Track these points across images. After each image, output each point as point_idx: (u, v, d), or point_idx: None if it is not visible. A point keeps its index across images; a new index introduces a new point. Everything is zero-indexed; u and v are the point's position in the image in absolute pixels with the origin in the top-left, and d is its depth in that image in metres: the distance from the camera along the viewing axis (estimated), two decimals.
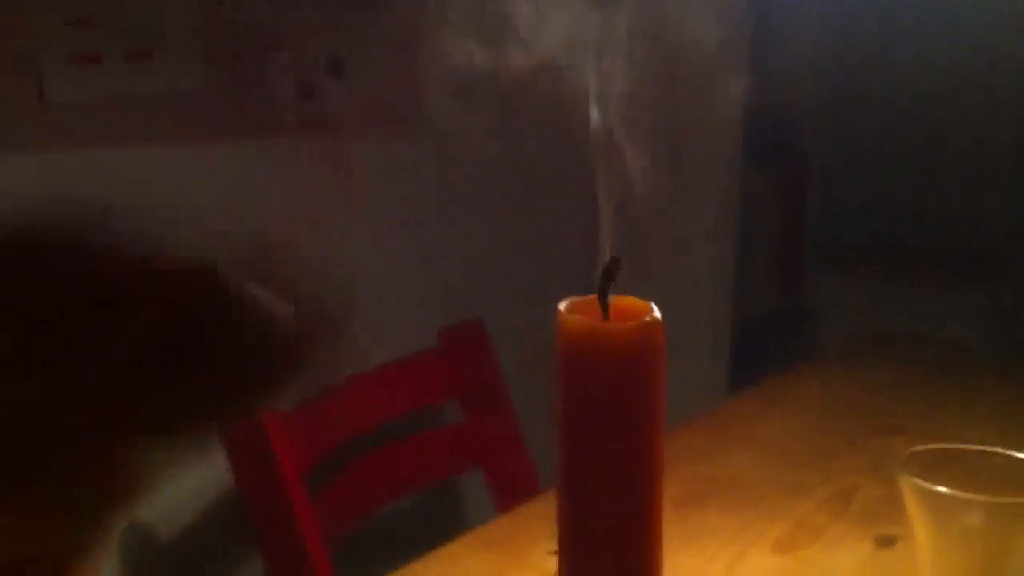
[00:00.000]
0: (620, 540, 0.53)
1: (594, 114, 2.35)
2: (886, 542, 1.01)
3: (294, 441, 1.22)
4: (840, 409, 1.39)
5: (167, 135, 1.48)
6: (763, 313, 2.30)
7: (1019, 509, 0.52)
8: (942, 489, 0.51)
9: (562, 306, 0.55)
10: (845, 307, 2.38)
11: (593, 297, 0.56)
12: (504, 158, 2.01)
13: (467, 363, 1.57)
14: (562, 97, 2.33)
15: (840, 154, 2.49)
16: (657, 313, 0.54)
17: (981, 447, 0.56)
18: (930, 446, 0.56)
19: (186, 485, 1.53)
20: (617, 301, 0.56)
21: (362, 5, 1.71)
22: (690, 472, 1.18)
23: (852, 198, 2.53)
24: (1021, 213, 2.35)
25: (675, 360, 2.00)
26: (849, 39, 2.40)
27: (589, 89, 2.35)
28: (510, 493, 1.50)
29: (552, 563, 0.60)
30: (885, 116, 2.48)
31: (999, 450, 0.56)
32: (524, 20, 2.14)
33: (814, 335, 2.43)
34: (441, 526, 1.87)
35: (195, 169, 1.52)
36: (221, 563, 1.60)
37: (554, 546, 0.57)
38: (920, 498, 0.53)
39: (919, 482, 0.52)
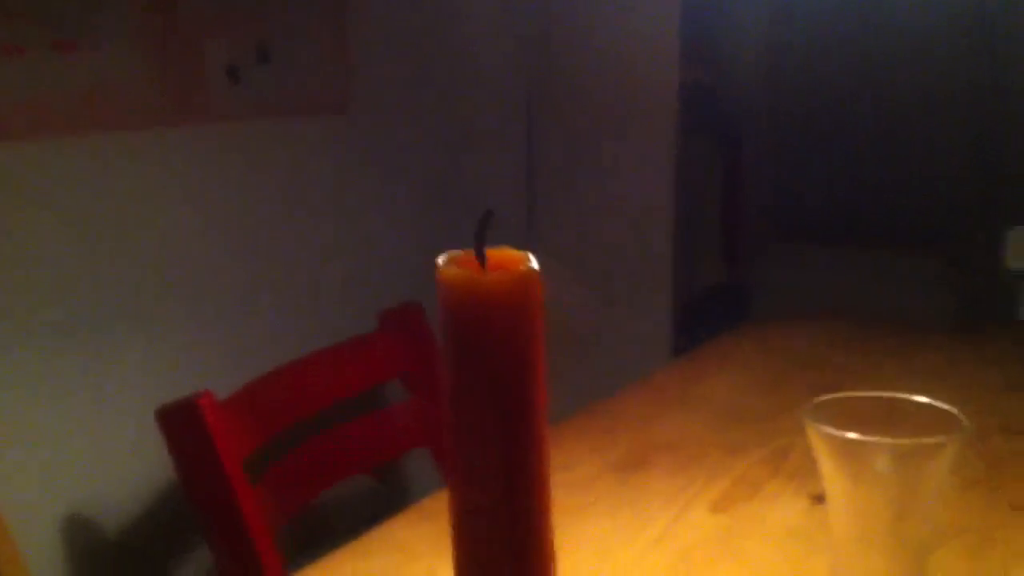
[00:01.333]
0: (505, 481, 0.54)
1: (526, 94, 2.34)
2: (820, 498, 1.02)
3: (233, 426, 1.22)
4: (775, 369, 1.41)
5: (94, 124, 1.46)
6: (704, 289, 2.32)
7: (924, 450, 0.53)
8: (849, 435, 0.53)
9: (441, 259, 0.56)
10: (786, 282, 2.40)
11: (470, 250, 0.56)
12: (436, 139, 2.01)
13: (408, 344, 1.57)
14: (493, 79, 2.35)
15: (780, 129, 2.51)
16: (534, 263, 0.55)
17: (884, 393, 0.58)
18: (835, 395, 0.57)
19: (128, 472, 1.52)
20: (496, 253, 0.56)
21: None
22: (628, 437, 1.19)
23: (792, 173, 2.54)
24: (964, 187, 2.38)
25: (618, 337, 2.02)
26: (787, 12, 2.42)
27: (519, 66, 2.35)
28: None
29: None
30: (826, 90, 2.50)
31: (902, 395, 0.57)
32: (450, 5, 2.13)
33: (755, 310, 2.46)
34: (389, 504, 1.87)
35: (123, 157, 1.51)
36: (166, 552, 1.59)
37: None
38: (828, 445, 0.54)
39: (826, 429, 0.53)
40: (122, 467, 1.51)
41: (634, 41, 2.09)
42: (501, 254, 0.56)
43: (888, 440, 0.52)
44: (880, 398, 0.57)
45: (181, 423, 1.17)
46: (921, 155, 2.40)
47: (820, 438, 0.54)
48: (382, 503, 1.89)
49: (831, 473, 0.55)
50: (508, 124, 2.20)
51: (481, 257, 0.55)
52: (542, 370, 0.54)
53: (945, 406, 0.56)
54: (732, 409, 1.27)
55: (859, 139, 2.47)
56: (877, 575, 0.58)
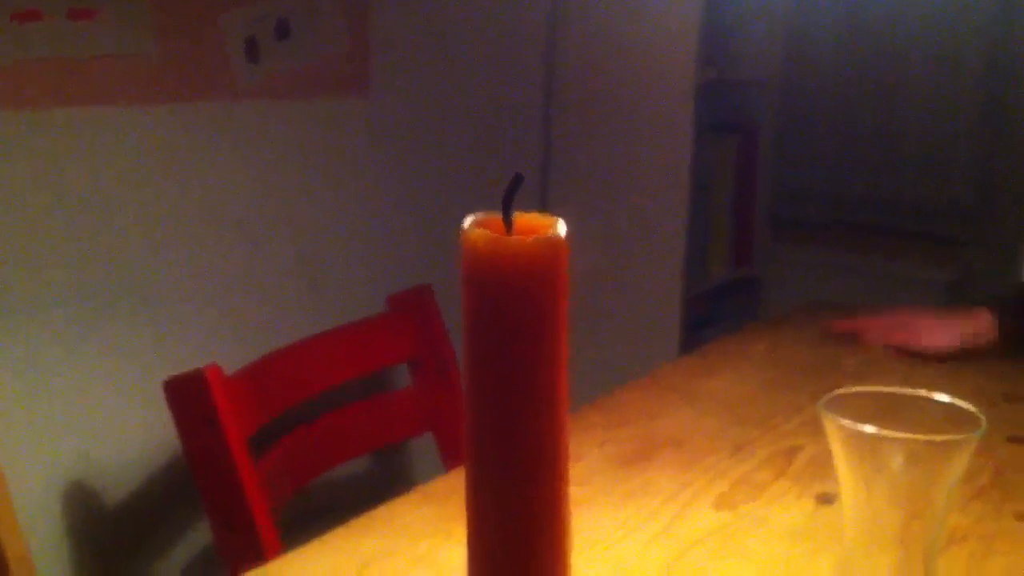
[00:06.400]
0: (524, 448, 0.53)
1: (545, 83, 2.34)
2: (826, 499, 1.02)
3: (240, 401, 1.22)
4: (784, 370, 1.40)
5: (110, 95, 1.46)
6: (714, 284, 2.31)
7: (941, 447, 0.53)
8: (866, 428, 0.52)
9: (467, 221, 0.55)
10: (796, 278, 2.40)
11: (498, 214, 0.55)
12: (452, 121, 2.01)
13: (417, 328, 1.56)
14: (512, 66, 2.33)
15: (793, 125, 2.51)
16: (561, 229, 0.54)
17: (904, 389, 0.57)
18: (854, 388, 0.56)
19: (131, 445, 1.52)
20: (522, 218, 0.55)
21: None
22: (634, 431, 1.18)
23: (804, 170, 2.55)
24: (973, 183, 2.38)
25: (627, 329, 2.01)
26: (805, 10, 2.41)
27: (538, 53, 2.34)
28: (459, 455, 1.50)
29: None
30: (841, 88, 2.50)
31: (921, 392, 0.57)
32: None
33: (765, 306, 2.45)
34: (390, 487, 1.87)
35: (139, 130, 1.50)
36: (167, 524, 1.59)
37: None
38: (843, 438, 0.53)
39: (843, 421, 0.53)
40: (125, 440, 1.51)
41: (653, 35, 2.08)
42: (528, 219, 0.55)
43: (906, 435, 0.52)
44: (898, 394, 0.57)
45: (188, 395, 1.17)
46: (935, 154, 2.40)
47: (836, 431, 0.53)
48: (385, 486, 1.89)
49: (845, 467, 0.54)
50: (525, 114, 2.19)
51: (508, 220, 0.54)
52: (565, 337, 0.53)
53: (964, 404, 0.56)
54: (739, 407, 1.26)
55: (874, 136, 2.47)
56: (888, 574, 0.57)
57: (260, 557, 1.01)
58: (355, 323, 1.53)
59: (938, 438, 0.52)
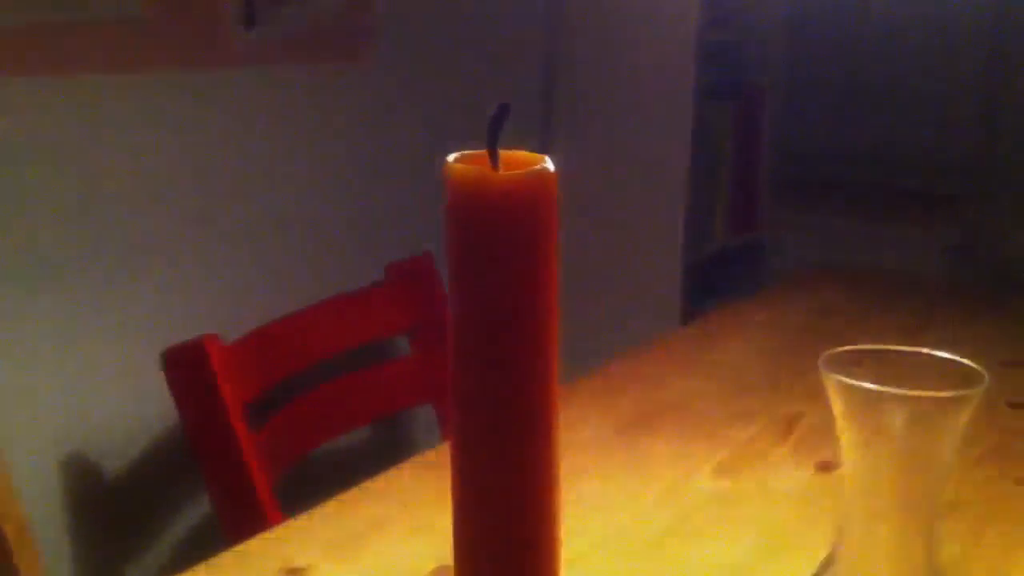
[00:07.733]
0: (511, 390, 0.52)
1: (545, 48, 2.31)
2: (826, 467, 1.02)
3: (238, 370, 1.21)
4: (786, 337, 1.40)
5: (106, 62, 1.44)
6: (716, 248, 2.30)
7: (944, 404, 0.52)
8: (866, 385, 0.51)
9: (451, 158, 0.53)
10: (799, 243, 2.39)
11: (483, 150, 0.53)
12: (453, 87, 1.99)
13: (416, 297, 1.56)
14: (514, 29, 2.30)
15: (796, 88, 2.49)
16: (550, 165, 0.52)
17: (904, 347, 0.57)
18: (854, 347, 0.55)
19: (129, 415, 1.51)
20: (510, 155, 0.53)
21: None
22: (636, 398, 1.18)
23: (808, 133, 2.53)
24: (975, 147, 2.37)
25: (627, 299, 2.00)
26: None
27: (538, 19, 2.31)
28: None
29: None
30: (842, 50, 2.48)
31: (922, 350, 0.56)
32: None
33: (767, 270, 2.45)
34: (390, 457, 1.87)
35: (131, 98, 1.49)
36: (166, 493, 1.59)
37: None
38: (844, 396, 0.52)
39: (843, 379, 0.52)
40: (122, 410, 1.50)
41: None
42: (515, 155, 0.53)
43: (908, 392, 0.51)
44: (899, 352, 0.56)
45: (187, 365, 1.17)
46: (940, 116, 2.39)
47: (836, 389, 0.52)
48: (385, 456, 1.88)
49: (846, 427, 0.53)
50: (525, 79, 2.18)
51: (494, 155, 0.52)
52: (555, 279, 0.52)
53: (966, 361, 0.55)
54: (740, 374, 1.26)
55: (877, 99, 2.45)
56: (887, 539, 0.56)
57: (260, 526, 1.01)
58: (354, 292, 1.52)
59: (941, 394, 0.52)
